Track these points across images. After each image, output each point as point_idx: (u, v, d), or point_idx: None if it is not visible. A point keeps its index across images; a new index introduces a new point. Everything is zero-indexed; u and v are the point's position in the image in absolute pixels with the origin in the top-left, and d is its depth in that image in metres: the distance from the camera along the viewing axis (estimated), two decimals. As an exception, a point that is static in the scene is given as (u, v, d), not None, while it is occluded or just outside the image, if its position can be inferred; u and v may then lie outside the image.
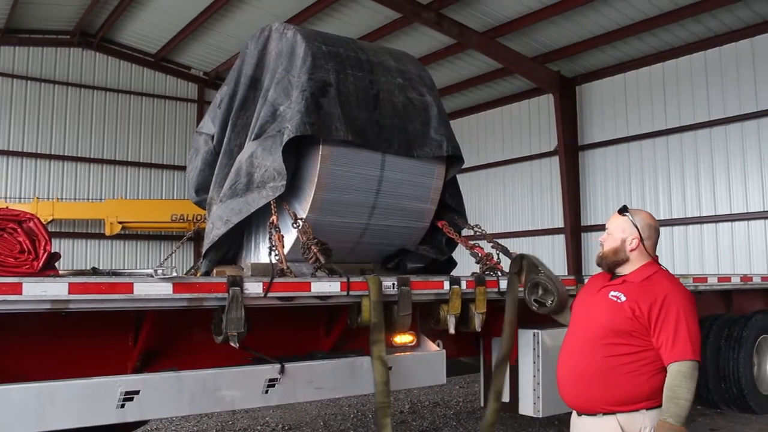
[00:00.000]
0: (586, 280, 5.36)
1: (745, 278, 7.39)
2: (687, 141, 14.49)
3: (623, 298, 3.11)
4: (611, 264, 3.29)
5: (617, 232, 3.27)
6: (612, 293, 3.17)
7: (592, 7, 13.54)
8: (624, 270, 3.25)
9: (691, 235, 14.32)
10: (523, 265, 4.22)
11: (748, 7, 12.79)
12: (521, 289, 4.22)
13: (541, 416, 5.03)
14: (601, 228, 3.48)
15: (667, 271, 3.27)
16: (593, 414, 3.11)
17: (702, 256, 14.12)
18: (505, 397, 4.95)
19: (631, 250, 3.23)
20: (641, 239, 3.22)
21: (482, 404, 5.65)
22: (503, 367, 4.63)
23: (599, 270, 3.44)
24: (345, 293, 4.13)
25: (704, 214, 14.15)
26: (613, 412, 3.05)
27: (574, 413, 3.26)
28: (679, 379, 2.94)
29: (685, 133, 14.50)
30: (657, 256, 3.31)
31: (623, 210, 3.31)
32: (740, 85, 13.53)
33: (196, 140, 6.32)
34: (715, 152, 14.01)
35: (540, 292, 3.98)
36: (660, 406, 2.99)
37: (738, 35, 13.51)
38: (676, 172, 14.68)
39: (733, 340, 7.12)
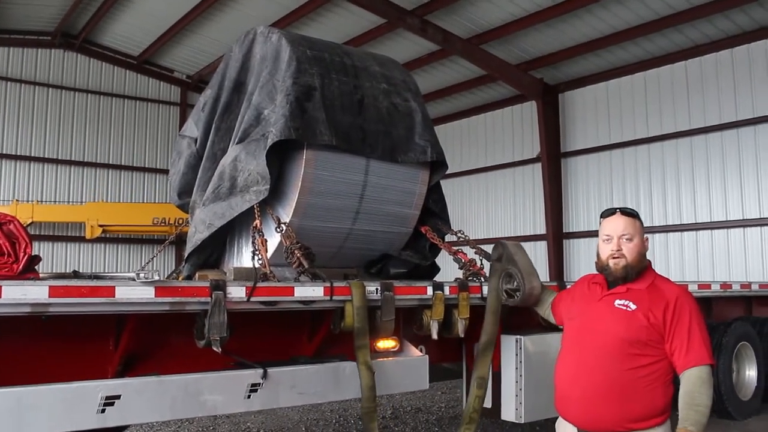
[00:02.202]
0: (568, 286, 5.41)
1: (725, 285, 7.46)
2: (668, 149, 14.64)
3: (633, 307, 2.92)
4: (637, 272, 3.02)
5: (637, 235, 3.04)
6: (618, 302, 2.97)
7: (575, 15, 13.64)
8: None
9: (671, 242, 14.44)
10: (502, 253, 4.20)
11: (728, 19, 12.95)
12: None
13: (523, 422, 5.04)
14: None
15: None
16: None
17: (682, 264, 14.23)
18: (487, 403, 4.95)
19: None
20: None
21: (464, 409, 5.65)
22: (487, 353, 4.56)
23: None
24: (328, 298, 4.12)
25: (684, 222, 14.29)
26: (630, 431, 2.87)
27: None
28: (698, 384, 2.79)
29: (667, 142, 14.65)
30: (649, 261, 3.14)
31: (629, 211, 3.08)
32: (720, 95, 13.69)
33: (179, 143, 6.28)
34: (695, 161, 14.16)
35: (513, 284, 3.99)
36: (668, 420, 2.87)
37: (719, 46, 13.68)
38: (657, 180, 14.82)
39: (713, 347, 7.15)
